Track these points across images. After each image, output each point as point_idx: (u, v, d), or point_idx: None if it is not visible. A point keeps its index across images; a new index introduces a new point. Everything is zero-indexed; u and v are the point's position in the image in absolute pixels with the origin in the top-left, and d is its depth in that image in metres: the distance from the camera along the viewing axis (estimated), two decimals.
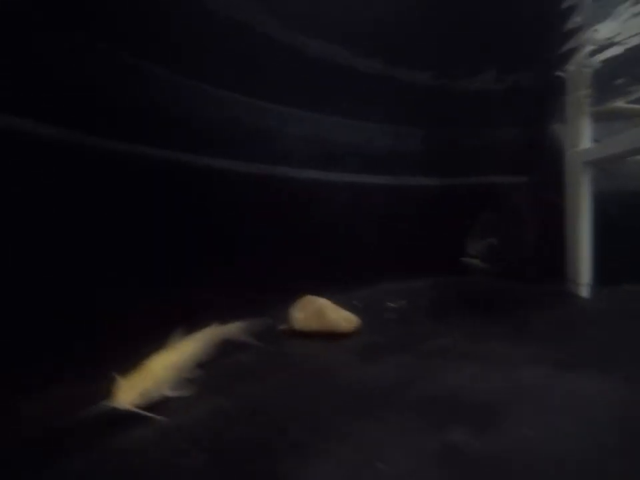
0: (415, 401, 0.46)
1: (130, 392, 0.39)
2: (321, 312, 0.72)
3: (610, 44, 0.83)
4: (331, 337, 0.72)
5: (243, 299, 0.80)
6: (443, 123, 1.20)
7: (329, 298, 0.78)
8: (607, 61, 0.88)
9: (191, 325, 0.59)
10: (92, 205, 0.61)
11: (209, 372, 0.55)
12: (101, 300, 0.58)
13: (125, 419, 0.39)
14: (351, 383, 0.52)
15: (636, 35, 0.84)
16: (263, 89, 0.89)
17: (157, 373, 0.45)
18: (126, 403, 0.38)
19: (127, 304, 0.60)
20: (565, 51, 0.95)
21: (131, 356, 0.53)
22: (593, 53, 0.85)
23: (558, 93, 1.10)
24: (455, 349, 0.64)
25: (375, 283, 1.08)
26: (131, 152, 0.65)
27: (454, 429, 0.38)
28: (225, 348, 0.63)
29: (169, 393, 0.46)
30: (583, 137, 0.92)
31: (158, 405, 0.43)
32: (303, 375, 0.56)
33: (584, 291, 0.94)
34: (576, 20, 0.89)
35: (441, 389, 0.49)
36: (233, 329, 0.65)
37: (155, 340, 0.54)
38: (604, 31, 0.84)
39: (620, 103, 1.01)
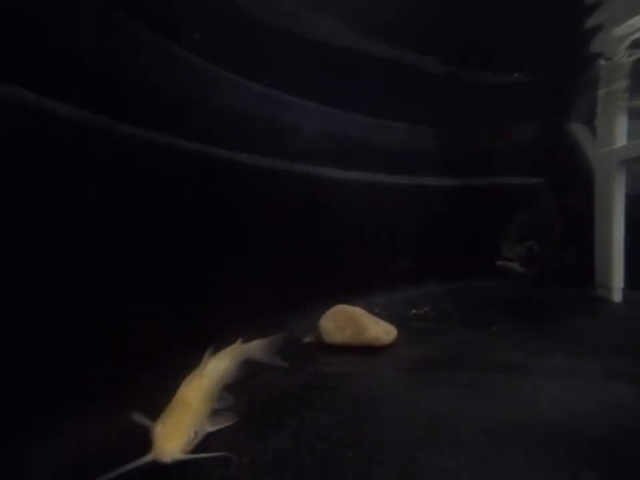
0: (510, 432, 0.39)
1: (176, 438, 0.29)
2: (357, 322, 0.64)
3: None
4: (367, 350, 0.64)
5: (262, 311, 0.72)
6: (462, 120, 1.15)
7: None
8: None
9: (211, 343, 0.49)
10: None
11: (240, 398, 0.46)
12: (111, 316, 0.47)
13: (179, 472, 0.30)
14: (417, 411, 0.44)
15: None
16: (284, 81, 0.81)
17: (196, 407, 0.36)
18: (176, 453, 0.28)
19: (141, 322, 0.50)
20: (593, 46, 0.91)
21: (153, 384, 0.44)
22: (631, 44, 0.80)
23: (581, 90, 1.07)
24: (513, 362, 0.57)
25: (393, 288, 1.01)
26: (135, 135, 0.55)
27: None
28: (250, 367, 0.54)
29: (210, 427, 0.37)
30: (617, 135, 0.87)
31: (202, 444, 0.34)
32: (351, 400, 0.47)
33: (616, 296, 0.89)
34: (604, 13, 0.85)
35: (529, 415, 0.42)
36: (255, 347, 0.55)
37: (177, 363, 0.45)
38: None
39: None
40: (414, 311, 0.89)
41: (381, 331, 0.64)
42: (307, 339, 0.70)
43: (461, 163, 1.14)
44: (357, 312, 0.66)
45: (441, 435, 0.39)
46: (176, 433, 0.31)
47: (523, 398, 0.46)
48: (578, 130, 1.11)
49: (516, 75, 0.90)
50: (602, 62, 0.87)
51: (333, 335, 0.65)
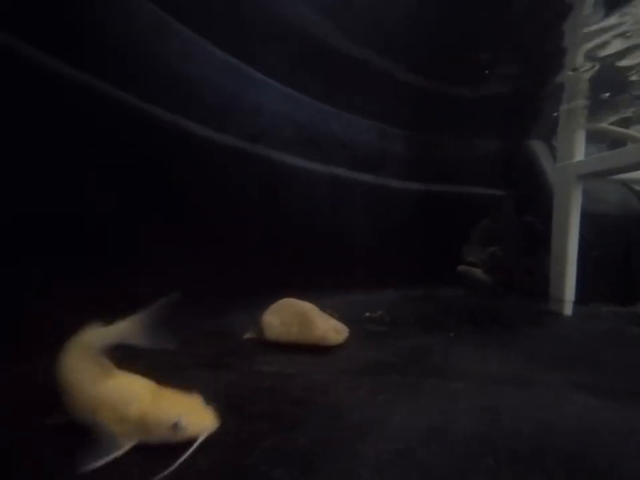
0: (434, 440, 0.33)
1: None
2: (305, 318, 0.57)
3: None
4: (315, 350, 0.57)
5: (197, 299, 0.63)
6: (433, 127, 1.14)
7: None
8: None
9: None
10: None
11: None
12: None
13: None
14: (358, 418, 0.37)
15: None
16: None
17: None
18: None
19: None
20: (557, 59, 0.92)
21: None
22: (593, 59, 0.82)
23: (543, 107, 1.09)
24: (469, 369, 0.52)
25: (349, 290, 0.95)
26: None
27: None
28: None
29: None
30: (576, 150, 0.88)
31: None
32: (287, 404, 0.40)
33: (567, 309, 0.89)
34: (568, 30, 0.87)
35: (461, 422, 0.36)
36: (121, 329, 0.34)
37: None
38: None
39: (606, 125, 1.01)
40: (368, 314, 0.83)
41: (330, 329, 0.57)
42: (247, 335, 0.62)
43: (429, 168, 1.12)
44: (306, 307, 0.59)
45: (374, 448, 0.32)
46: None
47: (470, 406, 0.41)
48: (538, 147, 1.13)
49: (486, 71, 0.88)
50: (569, 73, 0.87)
51: (277, 330, 0.57)
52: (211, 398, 0.35)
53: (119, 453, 0.28)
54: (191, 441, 0.29)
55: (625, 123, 1.02)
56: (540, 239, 0.98)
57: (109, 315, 0.35)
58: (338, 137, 0.95)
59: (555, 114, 0.94)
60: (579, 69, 0.75)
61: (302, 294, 0.68)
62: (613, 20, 0.74)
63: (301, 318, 0.57)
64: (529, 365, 0.55)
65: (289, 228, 0.83)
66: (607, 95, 0.81)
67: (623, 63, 0.75)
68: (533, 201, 1.08)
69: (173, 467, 0.27)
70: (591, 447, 0.33)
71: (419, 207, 1.09)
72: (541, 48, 0.90)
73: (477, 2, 0.84)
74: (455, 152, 1.14)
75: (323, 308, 0.78)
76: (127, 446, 0.29)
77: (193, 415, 0.31)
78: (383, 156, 1.04)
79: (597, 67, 0.79)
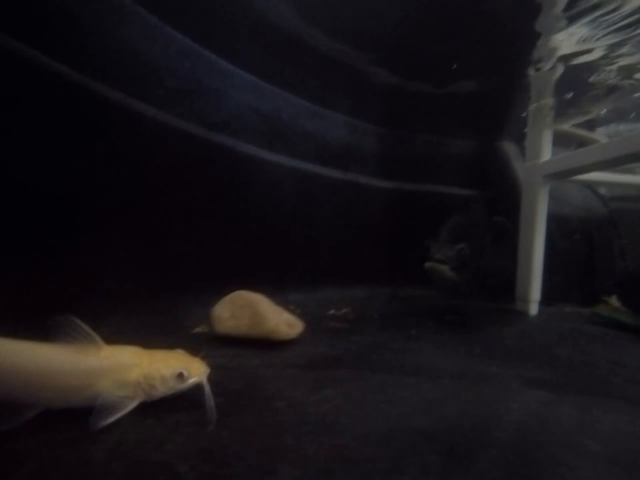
0: (379, 436, 0.31)
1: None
2: (255, 311, 0.55)
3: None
4: (267, 344, 0.54)
5: (145, 290, 0.60)
6: (405, 125, 1.13)
7: None
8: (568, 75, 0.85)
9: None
10: None
11: None
12: None
13: None
14: (298, 415, 0.36)
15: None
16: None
17: None
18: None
19: None
20: (526, 61, 0.92)
21: None
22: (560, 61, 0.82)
23: (513, 107, 1.10)
24: (424, 365, 0.51)
25: (315, 287, 0.93)
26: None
27: None
28: None
29: None
30: (543, 150, 0.89)
31: None
32: (225, 400, 0.38)
33: (533, 309, 0.89)
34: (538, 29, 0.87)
35: (404, 417, 0.35)
36: None
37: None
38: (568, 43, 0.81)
39: (568, 127, 1.02)
40: (332, 311, 0.81)
41: (282, 322, 0.55)
42: (197, 329, 0.60)
43: (400, 166, 1.11)
44: (258, 299, 0.57)
45: (299, 441, 0.30)
46: None
47: (416, 400, 0.39)
48: (509, 148, 1.14)
49: (454, 65, 0.88)
50: (531, 72, 0.88)
51: (227, 324, 0.55)
52: None
53: (125, 411, 0.31)
54: (192, 388, 0.34)
55: (591, 124, 1.03)
56: (509, 239, 0.98)
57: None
58: (306, 131, 0.93)
59: (524, 114, 0.95)
60: (542, 68, 0.76)
61: (266, 289, 0.65)
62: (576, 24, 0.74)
63: (252, 311, 0.55)
64: (485, 361, 0.54)
65: (253, 221, 0.81)
66: (570, 95, 0.81)
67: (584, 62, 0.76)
68: (504, 202, 1.08)
69: (211, 411, 0.31)
70: (530, 441, 0.32)
71: (390, 205, 1.08)
72: (512, 47, 0.90)
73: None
74: (427, 150, 1.13)
75: (286, 303, 0.76)
76: (132, 405, 0.32)
77: (190, 364, 0.35)
78: (354, 152, 1.03)
79: (561, 67, 0.80)
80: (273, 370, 0.46)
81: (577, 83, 0.85)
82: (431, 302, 0.96)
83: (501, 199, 1.08)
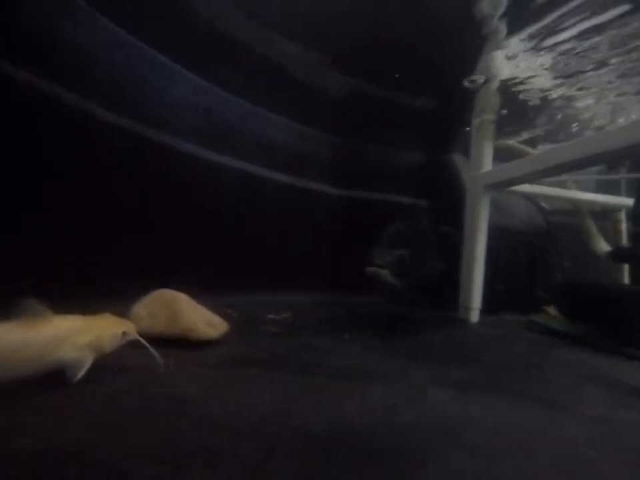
0: (285, 437, 0.30)
1: None
2: (174, 310, 0.53)
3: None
4: (187, 344, 0.52)
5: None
6: (358, 134, 1.14)
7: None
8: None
9: None
10: None
11: None
12: None
13: None
14: (192, 411, 0.34)
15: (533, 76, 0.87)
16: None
17: None
18: None
19: None
20: (477, 79, 0.96)
21: None
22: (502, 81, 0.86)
23: (463, 123, 1.13)
24: (345, 367, 0.50)
25: (258, 292, 0.91)
26: None
27: None
28: None
29: None
30: (485, 161, 0.92)
31: None
32: (133, 402, 0.36)
33: (473, 316, 0.90)
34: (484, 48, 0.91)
35: (320, 419, 0.34)
36: None
37: None
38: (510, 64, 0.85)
39: (511, 141, 1.06)
40: (271, 316, 0.80)
41: (201, 321, 0.53)
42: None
43: (350, 174, 1.12)
44: (178, 298, 0.55)
45: (179, 442, 0.29)
46: None
47: (315, 399, 0.39)
48: (458, 160, 1.17)
49: (396, 75, 0.90)
50: (478, 91, 0.91)
51: (144, 322, 0.52)
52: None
53: (87, 366, 0.37)
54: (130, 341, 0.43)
55: (534, 142, 1.08)
56: (455, 249, 1.00)
57: None
58: (255, 134, 0.93)
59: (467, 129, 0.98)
60: (476, 81, 0.79)
61: (204, 291, 0.63)
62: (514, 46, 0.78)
63: (170, 309, 0.53)
64: (408, 363, 0.54)
65: (191, 220, 0.79)
66: (504, 111, 0.85)
67: (522, 86, 0.80)
68: (453, 212, 1.10)
69: (157, 356, 0.41)
70: (415, 436, 0.32)
71: (340, 212, 1.09)
72: (461, 64, 0.93)
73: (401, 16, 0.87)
74: (378, 160, 1.15)
75: (224, 306, 0.74)
76: (90, 361, 0.38)
77: (125, 324, 0.43)
78: (304, 158, 1.03)
79: (496, 84, 0.83)
80: (178, 368, 0.44)
81: (512, 101, 0.89)
82: (376, 309, 0.96)
83: (450, 210, 1.11)
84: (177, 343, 0.52)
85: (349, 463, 0.27)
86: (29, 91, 0.54)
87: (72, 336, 0.38)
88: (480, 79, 0.79)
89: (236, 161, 0.87)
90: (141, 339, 0.42)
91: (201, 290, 0.68)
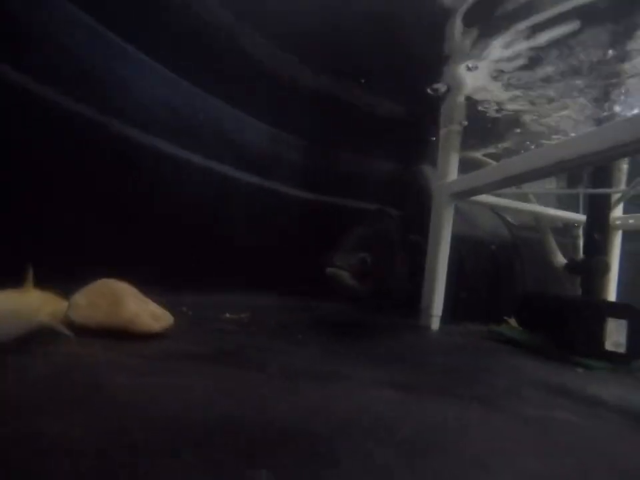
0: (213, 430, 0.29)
1: None
2: (115, 300, 0.50)
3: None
4: (126, 336, 0.50)
5: None
6: (329, 139, 1.15)
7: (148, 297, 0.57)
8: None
9: None
10: None
11: None
12: None
13: None
14: (110, 400, 0.32)
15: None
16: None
17: None
18: None
19: None
20: (439, 88, 0.98)
21: None
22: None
23: (431, 133, 1.16)
24: (286, 364, 0.49)
25: (219, 291, 0.89)
26: None
27: None
28: None
29: None
30: (450, 170, 0.93)
31: None
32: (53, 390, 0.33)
33: (434, 323, 0.90)
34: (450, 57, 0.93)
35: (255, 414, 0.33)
36: None
37: None
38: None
39: (477, 154, 1.09)
40: (228, 315, 0.78)
41: (145, 313, 0.51)
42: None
43: (322, 179, 1.12)
44: (121, 288, 0.53)
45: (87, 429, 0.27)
46: None
47: (245, 395, 0.37)
48: (428, 170, 1.19)
49: (362, 81, 0.91)
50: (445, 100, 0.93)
51: (83, 312, 0.50)
52: None
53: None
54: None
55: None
56: (422, 258, 1.01)
57: None
58: (225, 134, 0.92)
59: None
60: (438, 90, 0.80)
61: (160, 287, 0.61)
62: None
63: (111, 299, 0.50)
64: (352, 364, 0.53)
65: (151, 216, 0.77)
66: (465, 123, 0.87)
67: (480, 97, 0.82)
68: (421, 221, 1.11)
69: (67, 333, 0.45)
70: (342, 433, 0.31)
71: (309, 217, 1.08)
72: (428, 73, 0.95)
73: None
74: (349, 167, 1.16)
75: (179, 304, 0.72)
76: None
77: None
78: (275, 161, 1.03)
79: (460, 96, 0.85)
80: (110, 358, 0.42)
81: (475, 114, 0.91)
82: (339, 314, 0.95)
83: (418, 218, 1.12)
84: (117, 335, 0.50)
85: (262, 454, 0.26)
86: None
87: (49, 305, 0.45)
88: (442, 87, 0.81)
89: (204, 159, 0.86)
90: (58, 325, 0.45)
91: (157, 288, 0.66)
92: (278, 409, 0.34)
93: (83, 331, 0.51)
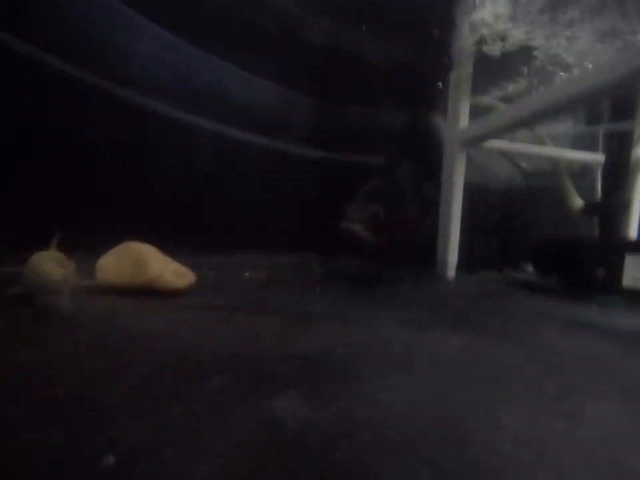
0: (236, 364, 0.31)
1: None
2: (139, 260, 0.53)
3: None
4: (153, 294, 0.53)
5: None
6: (337, 96, 1.12)
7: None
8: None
9: None
10: None
11: None
12: None
13: None
14: (161, 344, 0.35)
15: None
16: None
17: None
18: None
19: None
20: (452, 34, 0.94)
21: None
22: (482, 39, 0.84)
23: (443, 82, 1.11)
24: (309, 311, 0.51)
25: (235, 252, 0.92)
26: None
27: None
28: None
29: None
30: (461, 118, 0.91)
31: None
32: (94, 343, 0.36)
33: (450, 272, 0.91)
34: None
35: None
36: None
37: None
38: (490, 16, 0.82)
39: (488, 99, 1.05)
40: (247, 274, 0.80)
41: (167, 271, 0.53)
42: (85, 282, 0.57)
43: (330, 135, 1.11)
44: (145, 248, 0.55)
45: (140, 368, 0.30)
46: None
47: (271, 335, 0.40)
48: (438, 119, 1.16)
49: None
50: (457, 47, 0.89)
51: (109, 273, 0.53)
52: None
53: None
54: None
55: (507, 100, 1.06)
56: (436, 205, 1.00)
57: None
58: (231, 95, 0.91)
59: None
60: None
61: (182, 250, 0.63)
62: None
63: (135, 259, 0.53)
64: (368, 308, 0.55)
65: (164, 181, 0.79)
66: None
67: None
68: (431, 171, 1.10)
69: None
70: (357, 361, 0.33)
71: (318, 174, 1.08)
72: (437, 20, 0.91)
73: None
74: (358, 121, 1.14)
75: (199, 265, 0.75)
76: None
77: None
78: (282, 120, 1.02)
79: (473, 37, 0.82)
80: (142, 311, 0.45)
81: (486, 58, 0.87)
82: (354, 269, 0.97)
83: (430, 168, 1.10)
84: (144, 293, 0.53)
85: (287, 378, 0.28)
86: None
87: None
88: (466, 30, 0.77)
89: (211, 122, 0.86)
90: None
91: (178, 249, 0.69)
92: (298, 345, 0.36)
93: (110, 291, 0.54)
